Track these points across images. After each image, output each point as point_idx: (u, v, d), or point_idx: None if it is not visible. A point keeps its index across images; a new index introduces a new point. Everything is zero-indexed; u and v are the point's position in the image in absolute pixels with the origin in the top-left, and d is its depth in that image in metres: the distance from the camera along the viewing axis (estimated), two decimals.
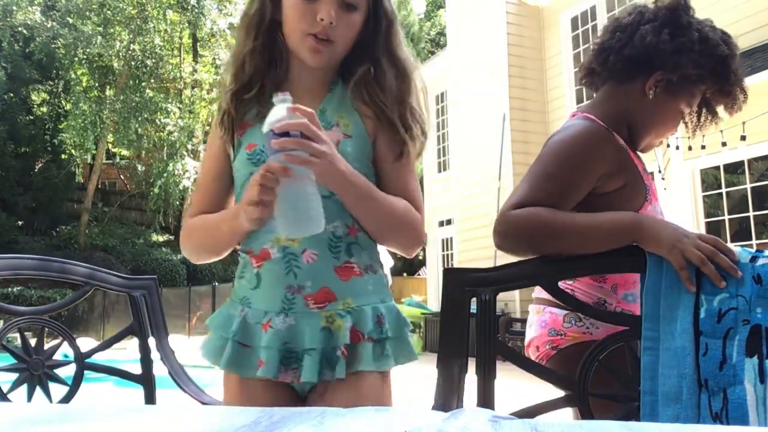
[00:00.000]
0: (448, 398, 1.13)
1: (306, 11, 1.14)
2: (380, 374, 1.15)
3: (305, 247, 1.13)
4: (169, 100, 21.08)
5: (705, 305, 1.08)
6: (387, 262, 1.86)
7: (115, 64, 20.12)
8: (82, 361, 1.52)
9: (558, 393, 1.18)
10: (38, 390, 1.47)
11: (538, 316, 1.47)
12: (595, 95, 1.53)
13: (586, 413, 1.12)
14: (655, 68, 1.39)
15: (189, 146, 20.88)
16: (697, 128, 1.53)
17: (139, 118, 19.61)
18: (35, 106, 23.32)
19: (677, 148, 6.83)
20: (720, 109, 1.50)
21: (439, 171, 12.51)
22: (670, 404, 1.05)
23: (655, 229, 1.14)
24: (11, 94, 20.90)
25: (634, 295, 1.39)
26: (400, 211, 1.17)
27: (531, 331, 1.49)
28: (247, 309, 1.16)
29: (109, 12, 19.59)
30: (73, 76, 20.13)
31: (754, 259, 1.08)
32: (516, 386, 2.17)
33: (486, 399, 1.13)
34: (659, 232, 1.13)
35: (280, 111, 0.99)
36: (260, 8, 1.20)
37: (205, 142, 23.02)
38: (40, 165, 23.06)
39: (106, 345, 1.59)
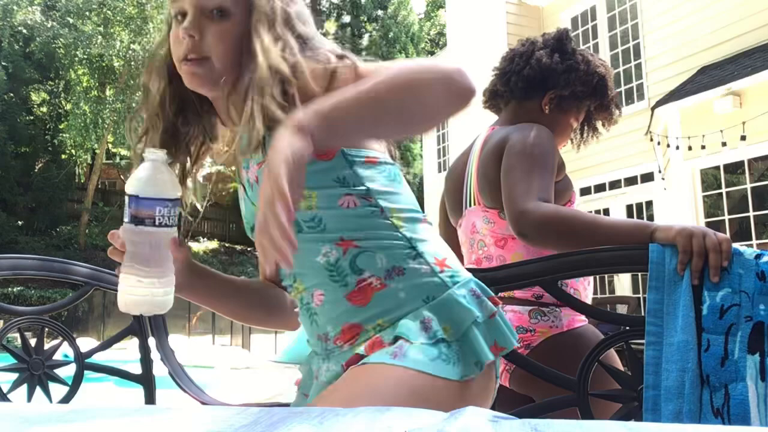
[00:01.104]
0: None
1: (175, 36, 1.00)
2: (404, 370, 0.86)
3: (312, 291, 0.99)
4: None
5: (708, 301, 1.07)
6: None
7: (116, 64, 20.11)
8: (82, 361, 1.52)
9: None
10: (38, 390, 1.47)
11: None
12: (501, 114, 1.73)
13: (585, 413, 1.12)
14: (549, 87, 1.63)
15: None
16: (582, 143, 1.77)
17: (141, 119, 19.59)
18: (35, 106, 23.30)
19: (677, 148, 6.83)
20: (599, 125, 1.75)
21: (439, 171, 12.51)
22: (673, 399, 1.05)
23: (665, 223, 1.19)
24: (11, 94, 20.88)
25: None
26: (404, 78, 0.86)
27: None
28: (305, 367, 1.08)
29: (109, 12, 19.59)
30: (73, 76, 20.13)
31: (758, 256, 1.08)
32: None
33: None
34: (671, 224, 1.17)
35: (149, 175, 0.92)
36: (165, 48, 1.06)
37: None
38: (40, 165, 23.04)
39: (106, 345, 1.60)
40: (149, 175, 0.91)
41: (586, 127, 1.75)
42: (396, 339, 0.90)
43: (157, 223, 0.91)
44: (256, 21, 0.98)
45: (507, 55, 1.72)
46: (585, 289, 1.54)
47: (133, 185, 0.90)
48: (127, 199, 0.90)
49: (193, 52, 0.98)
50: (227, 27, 0.99)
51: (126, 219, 0.91)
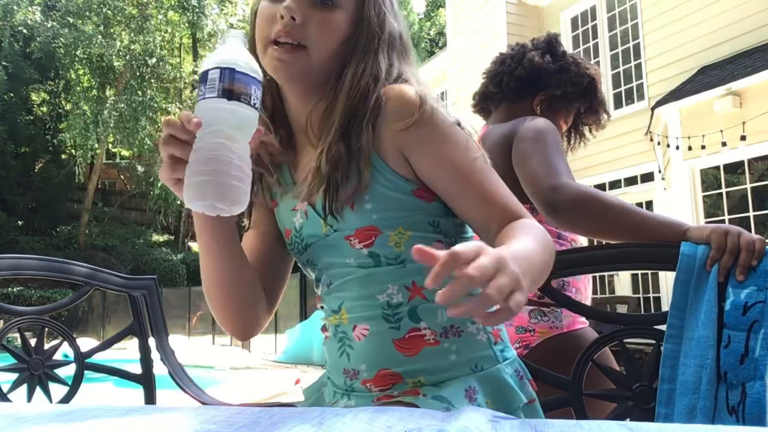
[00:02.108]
0: None
1: (269, 13, 0.89)
2: None
3: (356, 324, 0.92)
4: (170, 100, 21.08)
5: (732, 297, 1.05)
6: None
7: (116, 64, 20.12)
8: (82, 361, 1.52)
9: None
10: (38, 390, 1.47)
11: None
12: (492, 115, 1.74)
13: (580, 413, 1.12)
14: (541, 88, 1.65)
15: None
16: (569, 149, 1.77)
17: (143, 118, 19.62)
18: (35, 106, 23.32)
19: (677, 148, 6.83)
20: (586, 131, 1.77)
21: None
22: (688, 394, 1.04)
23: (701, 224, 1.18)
24: (11, 94, 20.90)
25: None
26: (541, 252, 0.78)
27: None
28: (327, 385, 1.00)
29: (109, 12, 19.59)
30: (73, 76, 20.15)
31: None
32: None
33: None
34: (704, 225, 1.17)
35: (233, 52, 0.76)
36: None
37: None
38: (40, 165, 23.06)
39: (106, 345, 1.60)
40: (243, 51, 0.77)
41: (573, 132, 1.77)
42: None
43: (252, 103, 0.75)
44: (367, 24, 0.90)
45: (497, 58, 1.75)
46: (586, 288, 1.54)
47: (225, 58, 0.75)
48: (216, 72, 0.74)
49: (289, 36, 0.87)
50: (334, 19, 0.89)
51: (212, 95, 0.73)
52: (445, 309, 0.75)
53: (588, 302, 1.58)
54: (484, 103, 1.77)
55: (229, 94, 0.73)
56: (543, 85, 1.64)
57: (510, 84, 1.66)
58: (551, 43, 1.70)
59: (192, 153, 0.73)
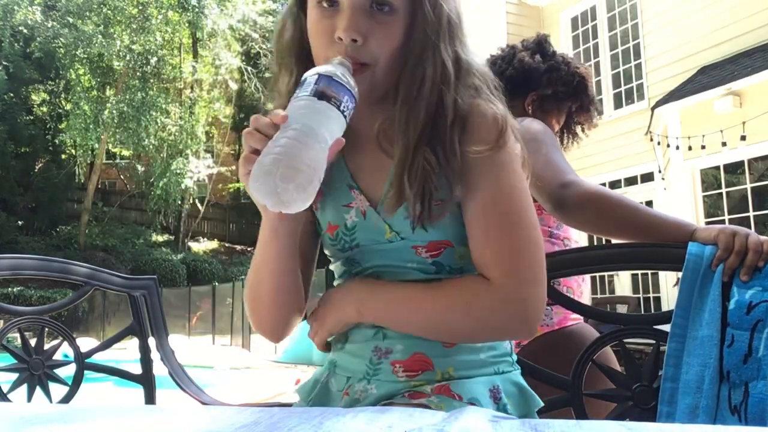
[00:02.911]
0: None
1: (324, 30, 0.85)
2: None
3: None
4: (170, 100, 21.08)
5: (736, 296, 1.05)
6: None
7: (116, 64, 20.11)
8: (82, 361, 1.52)
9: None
10: (38, 390, 1.47)
11: None
12: None
13: (580, 413, 1.12)
14: (532, 88, 1.65)
15: (193, 147, 20.89)
16: (563, 149, 1.74)
17: (143, 118, 19.61)
18: (35, 106, 23.31)
19: (677, 148, 6.83)
20: (579, 130, 1.77)
21: None
22: (690, 393, 1.04)
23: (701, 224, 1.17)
24: (11, 94, 20.89)
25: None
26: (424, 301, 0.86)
27: None
28: (332, 374, 0.96)
29: (109, 12, 19.58)
30: (73, 76, 20.13)
31: None
32: None
33: None
34: (713, 225, 1.16)
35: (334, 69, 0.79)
36: (294, 33, 0.92)
37: (205, 142, 23.19)
38: (40, 165, 23.05)
39: (106, 345, 1.60)
40: (346, 70, 0.80)
41: (566, 132, 1.78)
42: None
43: (341, 108, 0.76)
44: (422, 19, 0.84)
45: (488, 60, 1.75)
46: (579, 286, 1.54)
47: (326, 69, 0.78)
48: (314, 77, 0.77)
49: (351, 59, 0.82)
50: (394, 27, 0.84)
51: (305, 94, 0.76)
52: None
53: (585, 301, 1.58)
54: None
55: (320, 95, 0.75)
56: (534, 85, 1.65)
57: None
58: (541, 44, 1.71)
59: (270, 141, 0.73)
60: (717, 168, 7.10)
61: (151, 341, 1.56)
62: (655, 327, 1.17)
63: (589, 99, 1.70)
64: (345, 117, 0.77)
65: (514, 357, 0.97)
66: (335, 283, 0.99)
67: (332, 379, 0.95)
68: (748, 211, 6.88)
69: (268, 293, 0.93)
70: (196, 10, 20.25)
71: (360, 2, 0.82)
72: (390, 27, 0.84)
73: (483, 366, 0.89)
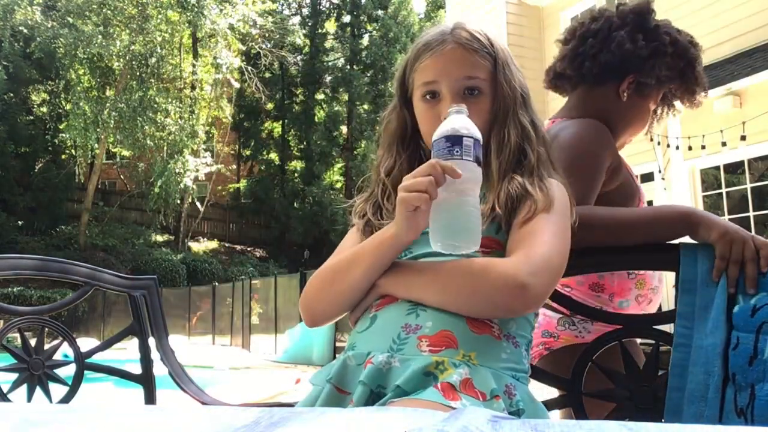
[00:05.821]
0: None
1: (431, 117, 1.07)
2: None
3: None
4: (170, 100, 21.08)
5: (741, 303, 1.05)
6: None
7: (116, 64, 20.12)
8: (82, 361, 1.52)
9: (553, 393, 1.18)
10: (38, 390, 1.47)
11: None
12: (567, 100, 1.57)
13: (579, 413, 1.12)
14: (628, 71, 1.43)
15: (192, 146, 20.88)
16: (655, 122, 1.59)
17: (143, 118, 19.62)
18: (35, 106, 23.32)
19: (677, 148, 6.83)
20: (677, 103, 1.55)
21: None
22: (695, 402, 1.04)
23: (709, 217, 1.14)
24: (11, 94, 20.90)
25: (629, 301, 1.41)
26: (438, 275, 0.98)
27: None
28: (350, 352, 0.99)
29: (109, 12, 19.58)
30: (73, 76, 20.13)
31: None
32: None
33: None
34: (714, 219, 1.13)
35: (454, 121, 0.96)
36: (400, 123, 1.15)
37: (205, 141, 23.18)
38: (40, 165, 23.06)
39: (106, 345, 1.60)
40: (475, 126, 0.97)
41: (661, 105, 1.55)
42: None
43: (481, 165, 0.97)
44: (502, 95, 1.07)
45: (578, 31, 1.50)
46: (629, 291, 1.42)
47: (473, 131, 0.96)
48: (470, 141, 0.94)
49: None
50: (482, 104, 1.07)
51: (469, 158, 0.94)
52: (517, 322, 0.98)
53: (653, 309, 1.48)
54: (558, 80, 1.56)
55: (477, 160, 0.95)
56: (633, 69, 1.43)
57: (593, 70, 1.45)
58: (642, 16, 1.45)
59: (444, 199, 0.92)
60: (717, 168, 7.11)
61: (151, 341, 1.56)
62: (655, 327, 1.17)
63: (696, 83, 1.47)
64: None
65: (529, 371, 1.01)
66: None
67: (351, 356, 0.98)
68: (748, 211, 6.89)
69: (350, 283, 1.03)
70: (196, 9, 20.25)
71: (457, 90, 1.06)
72: (479, 104, 1.07)
73: (502, 363, 0.94)
